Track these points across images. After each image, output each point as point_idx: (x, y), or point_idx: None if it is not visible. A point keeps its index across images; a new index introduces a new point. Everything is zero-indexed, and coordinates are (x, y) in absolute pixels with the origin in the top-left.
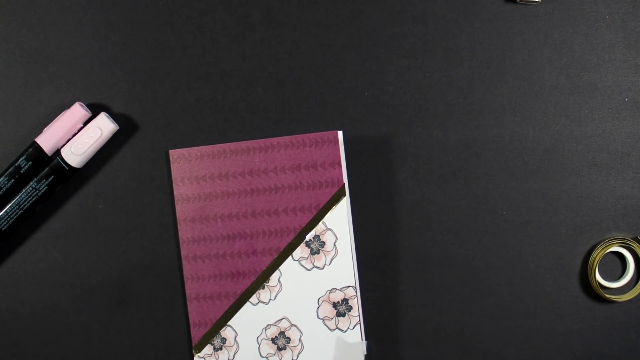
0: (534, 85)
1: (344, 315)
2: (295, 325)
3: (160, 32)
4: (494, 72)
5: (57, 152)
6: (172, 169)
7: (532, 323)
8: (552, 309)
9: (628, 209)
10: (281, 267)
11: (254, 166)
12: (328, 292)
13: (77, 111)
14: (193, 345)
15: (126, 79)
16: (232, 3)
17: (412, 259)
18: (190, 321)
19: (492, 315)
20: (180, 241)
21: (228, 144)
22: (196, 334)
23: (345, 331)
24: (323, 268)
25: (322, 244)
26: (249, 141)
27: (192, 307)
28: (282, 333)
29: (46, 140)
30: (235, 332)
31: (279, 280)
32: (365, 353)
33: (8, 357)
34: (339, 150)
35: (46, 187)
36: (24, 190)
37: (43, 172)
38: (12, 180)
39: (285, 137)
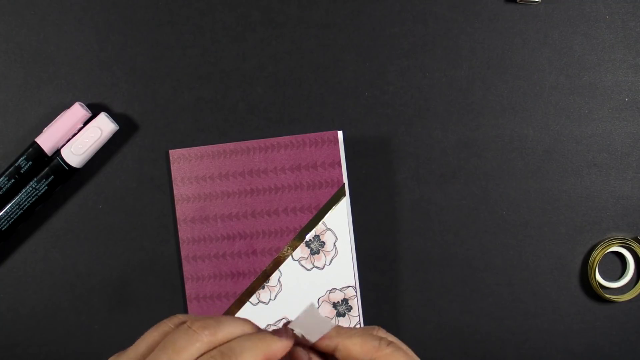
0: (534, 85)
1: (344, 315)
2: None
3: (160, 32)
4: (494, 72)
5: (57, 152)
6: (172, 169)
7: (532, 323)
8: (552, 309)
9: (628, 209)
10: (281, 267)
11: (254, 166)
12: (328, 292)
13: (77, 111)
14: None
15: (126, 79)
16: (232, 3)
17: (412, 259)
18: None
19: (492, 315)
20: (180, 241)
21: (228, 144)
22: None
23: None
24: (323, 268)
25: (322, 244)
26: (249, 141)
27: (192, 307)
28: None
29: (46, 140)
30: None
31: (279, 280)
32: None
33: (8, 357)
34: (339, 150)
35: (46, 187)
36: (24, 190)
37: (43, 172)
38: (12, 180)
39: (285, 137)
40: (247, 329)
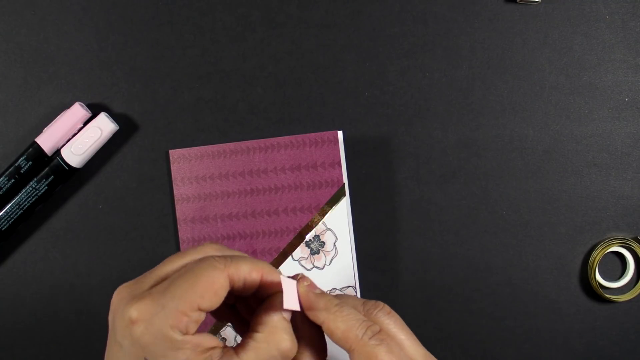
0: (534, 85)
1: None
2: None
3: (160, 32)
4: (494, 72)
5: (57, 152)
6: (172, 169)
7: (532, 323)
8: (552, 309)
9: (628, 209)
10: (281, 267)
11: (254, 166)
12: (328, 292)
13: (77, 111)
14: None
15: (126, 79)
16: (232, 3)
17: (412, 259)
18: None
19: (492, 315)
20: (180, 241)
21: (228, 144)
22: None
23: None
24: (323, 268)
25: (322, 244)
26: (249, 141)
27: None
28: None
29: (46, 140)
30: (235, 332)
31: None
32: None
33: (8, 357)
34: (339, 150)
35: (46, 187)
36: (24, 190)
37: (43, 172)
38: (12, 180)
39: (285, 137)
40: None
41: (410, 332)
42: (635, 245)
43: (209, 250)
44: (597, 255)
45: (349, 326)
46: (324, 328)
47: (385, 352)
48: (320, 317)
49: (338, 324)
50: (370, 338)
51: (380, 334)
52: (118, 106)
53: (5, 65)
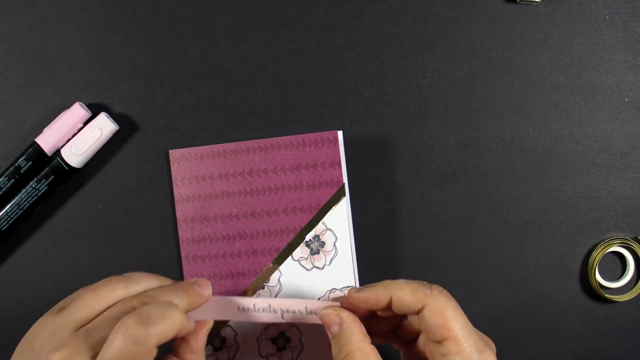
0: (534, 85)
1: None
2: (295, 326)
3: (160, 32)
4: (494, 72)
5: (57, 152)
6: (172, 169)
7: (532, 323)
8: (552, 309)
9: (628, 209)
10: (281, 267)
11: (254, 166)
12: (328, 292)
13: (77, 111)
14: None
15: (126, 79)
16: (232, 3)
17: (412, 259)
18: None
19: (492, 315)
20: (180, 241)
21: (228, 144)
22: None
23: None
24: (323, 268)
25: (322, 244)
26: (249, 141)
27: None
28: (282, 333)
29: (46, 140)
30: (235, 332)
31: (278, 280)
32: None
33: (8, 357)
34: (339, 150)
35: (46, 187)
36: (24, 190)
37: (43, 172)
38: (12, 180)
39: (285, 137)
40: (164, 282)
41: None
42: (635, 245)
43: (118, 284)
44: (597, 255)
45: (415, 287)
46: (394, 299)
47: (452, 302)
48: (385, 293)
49: (405, 289)
50: (439, 292)
51: (444, 290)
52: (118, 106)
53: (5, 65)
